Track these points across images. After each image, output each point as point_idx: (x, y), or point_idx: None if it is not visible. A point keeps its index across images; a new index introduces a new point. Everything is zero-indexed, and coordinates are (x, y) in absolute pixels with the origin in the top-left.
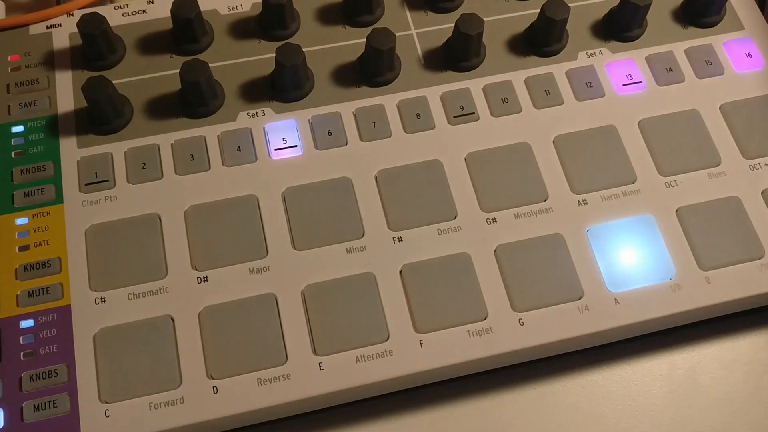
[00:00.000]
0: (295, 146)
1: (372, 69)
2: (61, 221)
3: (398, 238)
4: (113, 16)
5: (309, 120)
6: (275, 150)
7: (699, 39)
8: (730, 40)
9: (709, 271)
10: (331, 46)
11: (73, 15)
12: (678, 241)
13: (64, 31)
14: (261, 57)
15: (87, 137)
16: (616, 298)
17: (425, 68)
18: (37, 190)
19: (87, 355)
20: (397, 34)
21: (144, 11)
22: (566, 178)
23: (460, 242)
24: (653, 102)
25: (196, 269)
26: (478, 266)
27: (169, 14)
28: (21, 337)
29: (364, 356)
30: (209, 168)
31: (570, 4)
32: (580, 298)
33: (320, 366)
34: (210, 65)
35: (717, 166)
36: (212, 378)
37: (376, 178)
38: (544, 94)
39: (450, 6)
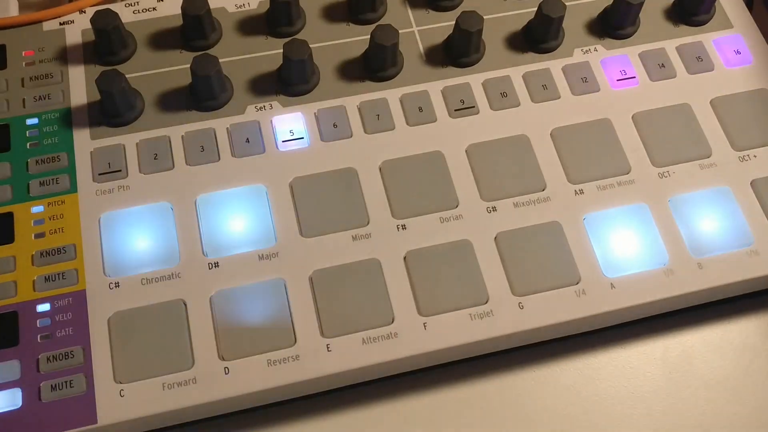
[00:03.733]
0: (302, 138)
1: (375, 64)
2: (76, 209)
3: (402, 226)
4: (124, 14)
5: (315, 113)
6: (282, 142)
7: (690, 36)
8: (719, 37)
9: (700, 257)
10: (336, 42)
11: (85, 12)
12: (671, 228)
13: (76, 28)
14: (268, 53)
15: (100, 129)
16: (611, 283)
17: (427, 64)
18: (52, 179)
19: (102, 337)
20: (399, 31)
21: (154, 8)
22: (563, 169)
23: (462, 230)
24: (646, 96)
25: (207, 256)
26: (480, 252)
27: (178, 11)
28: (38, 321)
29: (370, 338)
30: (219, 159)
31: (566, 3)
32: (577, 283)
33: (328, 347)
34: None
35: (708, 157)
36: (223, 359)
37: (380, 169)
38: (542, 89)
39: (450, 5)
